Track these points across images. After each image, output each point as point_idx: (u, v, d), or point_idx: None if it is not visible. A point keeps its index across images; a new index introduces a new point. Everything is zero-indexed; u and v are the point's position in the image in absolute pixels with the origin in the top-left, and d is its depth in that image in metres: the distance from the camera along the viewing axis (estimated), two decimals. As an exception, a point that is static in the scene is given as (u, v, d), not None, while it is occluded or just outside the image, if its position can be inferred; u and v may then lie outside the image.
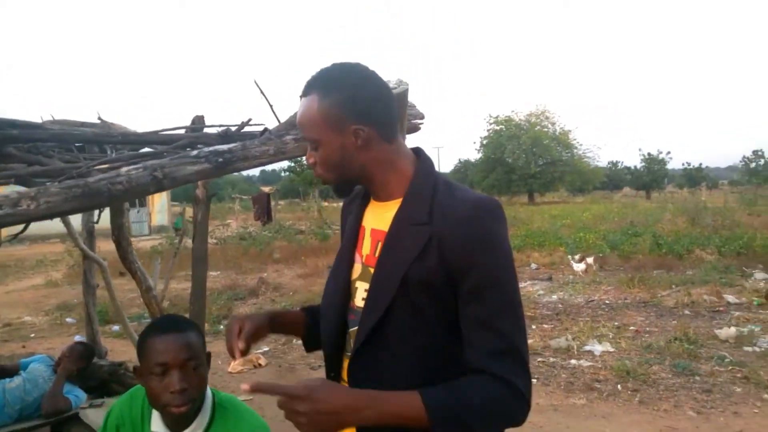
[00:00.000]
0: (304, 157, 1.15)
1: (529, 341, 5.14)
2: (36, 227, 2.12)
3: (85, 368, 3.30)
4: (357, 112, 0.99)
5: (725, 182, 54.48)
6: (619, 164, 53.05)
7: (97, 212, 2.87)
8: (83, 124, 2.45)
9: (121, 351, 5.33)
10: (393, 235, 1.01)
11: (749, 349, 4.92)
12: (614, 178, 51.42)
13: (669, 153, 45.22)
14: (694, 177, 44.94)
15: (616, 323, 5.95)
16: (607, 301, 7.05)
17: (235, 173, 2.37)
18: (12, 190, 1.61)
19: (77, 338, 4.73)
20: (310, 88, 1.02)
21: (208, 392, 1.42)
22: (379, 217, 1.06)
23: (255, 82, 2.25)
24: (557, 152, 38.47)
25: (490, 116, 40.83)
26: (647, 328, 5.74)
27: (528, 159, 37.51)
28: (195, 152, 1.97)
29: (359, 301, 1.04)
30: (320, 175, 1.07)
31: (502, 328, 0.93)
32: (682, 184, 45.02)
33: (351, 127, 0.99)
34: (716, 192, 36.98)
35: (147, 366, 1.31)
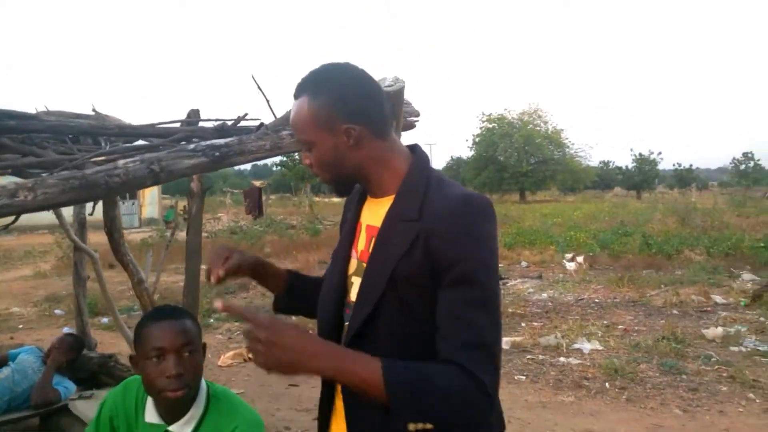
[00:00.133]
0: (297, 154, 1.17)
1: (519, 339, 5.19)
2: (25, 218, 2.11)
3: (75, 360, 3.29)
4: (347, 112, 1.00)
5: (715, 183, 55.05)
6: (611, 164, 53.46)
7: (91, 204, 2.85)
8: (78, 116, 2.43)
9: (110, 343, 5.31)
10: (384, 232, 1.02)
11: (735, 348, 5.00)
12: (605, 178, 51.80)
13: (660, 153, 45.62)
14: (684, 178, 45.31)
15: (605, 322, 6.02)
16: (596, 300, 7.12)
17: (225, 168, 2.37)
18: (9, 180, 1.60)
19: (66, 330, 4.70)
20: (300, 91, 1.03)
21: (203, 384, 1.43)
22: (374, 213, 1.07)
23: (252, 77, 2.25)
24: (549, 151, 38.70)
25: (483, 114, 41.03)
26: (636, 327, 5.81)
27: (520, 157, 37.71)
28: (192, 146, 1.97)
29: (354, 296, 1.05)
30: (317, 175, 1.08)
31: (474, 322, 0.92)
32: (673, 185, 45.41)
33: (342, 126, 1.00)
34: (706, 193, 37.35)
35: (144, 351, 1.33)
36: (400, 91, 2.21)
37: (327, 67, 1.04)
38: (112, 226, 3.29)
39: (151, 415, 1.40)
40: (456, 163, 52.16)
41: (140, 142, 2.40)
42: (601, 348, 5.13)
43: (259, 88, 2.23)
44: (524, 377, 4.50)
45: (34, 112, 2.19)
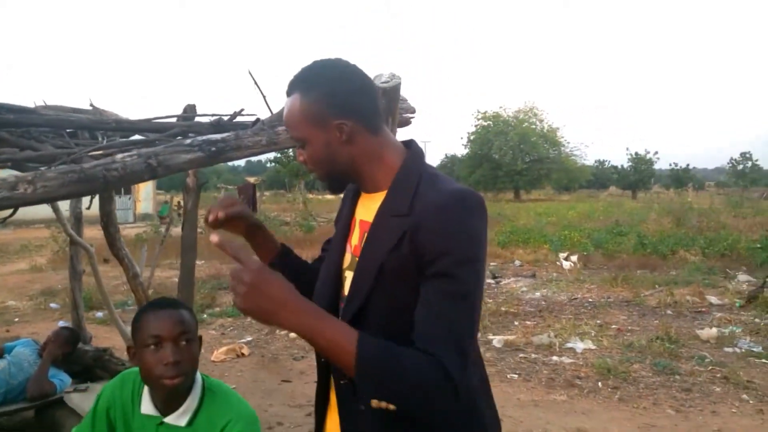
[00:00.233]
0: (292, 150, 1.18)
1: (512, 337, 5.21)
2: (21, 212, 2.11)
3: (71, 353, 3.30)
4: (338, 107, 1.00)
5: (712, 184, 55.14)
6: (606, 163, 53.62)
7: (88, 198, 2.86)
8: (76, 111, 2.44)
9: (104, 337, 5.31)
10: (375, 227, 1.02)
11: (730, 349, 5.03)
12: (601, 177, 51.99)
13: (656, 153, 45.39)
14: (681, 178, 45.23)
15: (598, 321, 6.05)
16: (590, 300, 7.16)
17: (221, 163, 2.38)
18: (9, 173, 1.61)
19: (62, 323, 4.69)
20: (292, 88, 1.04)
21: (198, 376, 1.44)
22: (367, 208, 1.08)
23: (249, 72, 2.25)
24: (544, 149, 38.79)
25: (479, 112, 41.04)
26: (629, 327, 5.84)
27: (515, 155, 37.78)
28: (189, 141, 1.97)
29: (347, 290, 1.06)
30: (312, 171, 1.09)
31: (448, 315, 0.92)
32: (669, 185, 45.42)
33: (334, 122, 1.00)
34: (703, 193, 37.35)
35: (142, 340, 1.35)
36: (396, 88, 2.22)
37: (318, 63, 1.05)
38: (108, 220, 3.30)
39: (147, 406, 1.41)
40: (450, 161, 52.22)
41: (137, 136, 2.40)
42: (594, 347, 5.16)
43: (255, 83, 2.24)
44: (517, 376, 4.53)
45: (32, 106, 2.19)
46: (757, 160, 46.20)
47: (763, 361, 4.70)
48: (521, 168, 37.60)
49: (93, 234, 6.52)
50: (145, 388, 1.43)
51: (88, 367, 3.48)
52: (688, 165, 48.15)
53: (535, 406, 3.91)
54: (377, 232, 1.02)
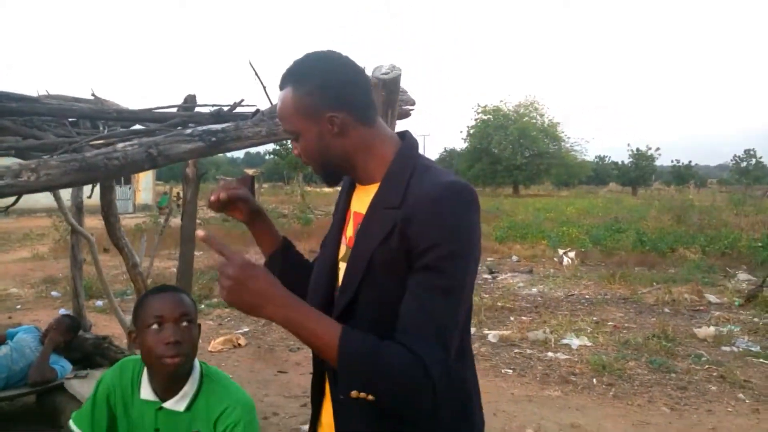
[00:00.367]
0: (290, 142, 1.19)
1: (507, 332, 5.22)
2: (23, 201, 2.13)
3: (71, 340, 3.34)
4: (330, 100, 1.00)
5: (714, 181, 54.84)
6: (607, 159, 53.45)
7: (89, 188, 2.88)
8: (77, 100, 2.45)
9: (104, 325, 5.34)
10: (367, 219, 1.02)
11: (727, 348, 5.03)
12: (600, 173, 51.86)
13: (658, 149, 45.01)
14: (682, 174, 44.90)
15: (594, 318, 6.07)
16: (586, 296, 7.18)
17: (220, 154, 2.39)
18: (12, 161, 1.63)
19: (63, 311, 4.72)
20: (284, 81, 1.04)
21: (196, 363, 1.47)
22: (361, 200, 1.07)
23: (250, 63, 2.26)
24: (544, 144, 38.69)
25: (479, 105, 40.87)
26: (626, 324, 5.85)
27: (514, 150, 37.66)
28: (189, 131, 1.98)
29: (341, 281, 1.07)
30: (307, 164, 1.10)
31: (431, 307, 0.92)
32: (670, 182, 45.23)
33: (326, 114, 1.00)
34: (705, 191, 37.01)
35: (144, 320, 1.38)
36: (396, 79, 2.22)
37: (310, 56, 1.05)
38: (108, 210, 3.31)
39: (146, 392, 1.44)
40: (449, 155, 52.12)
41: (138, 126, 2.41)
42: (589, 344, 5.18)
43: (256, 74, 2.25)
44: (511, 371, 4.56)
45: (35, 95, 2.20)
46: (761, 158, 45.72)
47: (761, 360, 4.71)
48: (521, 163, 37.52)
49: (94, 223, 6.54)
50: (145, 374, 1.45)
51: (88, 354, 3.52)
52: (690, 162, 47.94)
53: (530, 401, 3.94)
54: (369, 224, 1.02)
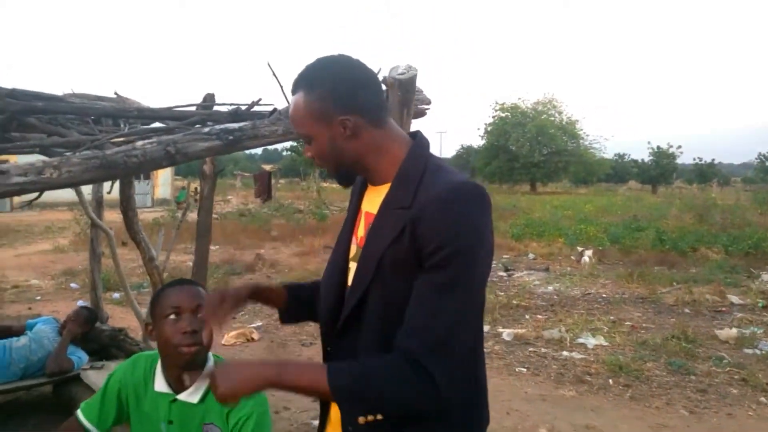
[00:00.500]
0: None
1: (522, 331, 5.18)
2: (46, 195, 2.18)
3: (89, 332, 3.40)
4: (341, 103, 1.01)
5: (738, 179, 53.54)
6: (626, 156, 52.55)
7: (109, 183, 2.93)
8: (100, 98, 2.50)
9: (120, 318, 5.44)
10: (378, 219, 1.03)
11: (749, 351, 4.91)
12: (620, 171, 51.02)
13: (680, 147, 43.89)
14: (705, 173, 43.85)
15: (611, 317, 5.99)
16: (603, 295, 7.09)
17: (238, 151, 2.41)
18: (36, 158, 1.67)
19: (81, 303, 4.82)
20: (296, 86, 1.05)
21: (210, 356, 1.50)
22: (372, 201, 1.09)
23: (268, 64, 2.27)
24: (563, 142, 38.24)
25: (497, 103, 40.58)
26: (644, 325, 5.77)
27: (532, 147, 37.30)
28: (206, 129, 2.01)
29: (351, 280, 1.08)
30: (320, 166, 1.11)
31: (435, 307, 0.92)
32: (692, 180, 44.24)
33: (337, 118, 1.01)
34: (728, 189, 36.14)
35: (161, 311, 1.42)
36: (412, 79, 2.23)
37: (320, 60, 1.06)
38: (127, 205, 3.37)
39: (160, 384, 1.46)
40: (466, 152, 51.81)
41: (158, 124, 2.45)
42: (606, 344, 5.12)
43: (274, 74, 2.26)
44: (525, 369, 4.53)
45: (60, 94, 2.25)
46: (787, 155, 44.69)
47: (784, 363, 4.60)
48: (538, 160, 37.15)
49: (113, 217, 6.64)
50: (158, 368, 1.48)
51: (104, 345, 3.59)
52: (713, 160, 46.86)
53: (543, 401, 3.91)
54: (380, 224, 1.03)
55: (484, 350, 1.15)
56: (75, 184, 1.60)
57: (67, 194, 3.55)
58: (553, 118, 39.17)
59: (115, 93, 2.56)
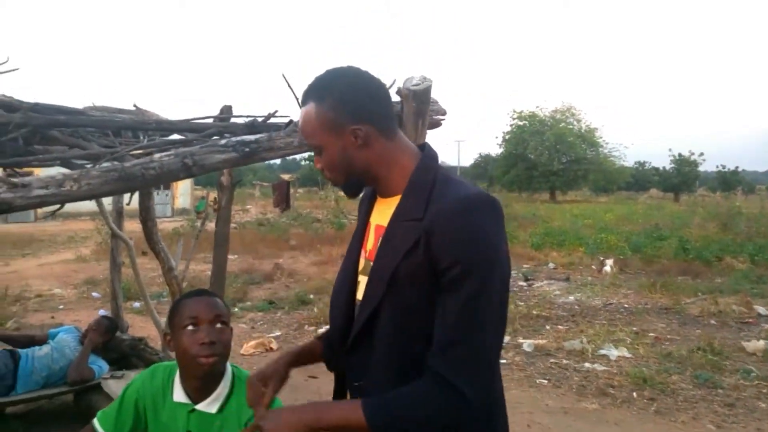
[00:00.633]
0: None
1: (542, 342, 5.10)
2: (69, 205, 2.23)
3: (109, 341, 3.44)
4: (352, 113, 1.01)
5: (763, 187, 52.20)
6: (647, 164, 51.75)
7: (128, 194, 2.98)
8: (120, 111, 2.55)
9: (140, 327, 5.50)
10: (389, 231, 1.03)
11: (779, 364, 4.77)
12: (640, 179, 50.24)
13: (702, 155, 43.07)
14: (728, 180, 42.85)
15: (634, 328, 5.87)
16: (626, 305, 6.95)
17: (255, 163, 2.43)
18: (57, 171, 1.70)
19: (102, 312, 4.89)
20: (306, 97, 1.06)
21: (228, 366, 1.49)
22: (382, 213, 1.08)
23: (283, 75, 2.29)
24: (582, 150, 37.85)
25: (514, 111, 40.37)
26: (668, 336, 5.63)
27: (551, 156, 37.00)
28: (223, 141, 2.03)
29: (361, 294, 1.07)
30: (329, 178, 1.10)
31: (459, 324, 0.92)
32: (715, 188, 43.27)
33: (349, 127, 1.01)
34: (753, 197, 35.32)
35: (179, 322, 1.41)
36: (426, 90, 2.22)
37: (330, 71, 1.06)
38: (146, 215, 3.41)
39: (179, 394, 1.46)
40: (484, 161, 51.61)
41: (176, 136, 2.48)
42: (629, 355, 5.01)
43: (289, 86, 2.27)
44: (546, 381, 4.44)
45: (81, 107, 2.30)
46: (814, 162, 43.42)
47: (814, 377, 4.45)
48: (557, 168, 36.81)
49: (134, 227, 6.75)
50: (177, 378, 1.48)
51: (124, 355, 3.62)
52: (737, 167, 45.84)
53: (565, 414, 3.83)
54: (392, 236, 1.02)
55: (505, 361, 1.14)
56: (94, 197, 1.62)
57: (89, 204, 3.62)
58: (571, 126, 38.82)
59: (135, 105, 2.61)
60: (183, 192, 26.16)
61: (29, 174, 1.77)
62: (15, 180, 1.42)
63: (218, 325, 1.41)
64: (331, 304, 1.16)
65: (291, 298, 7.20)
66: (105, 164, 1.64)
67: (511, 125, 40.02)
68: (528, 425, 3.57)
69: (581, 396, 4.14)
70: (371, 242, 1.10)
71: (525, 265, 9.80)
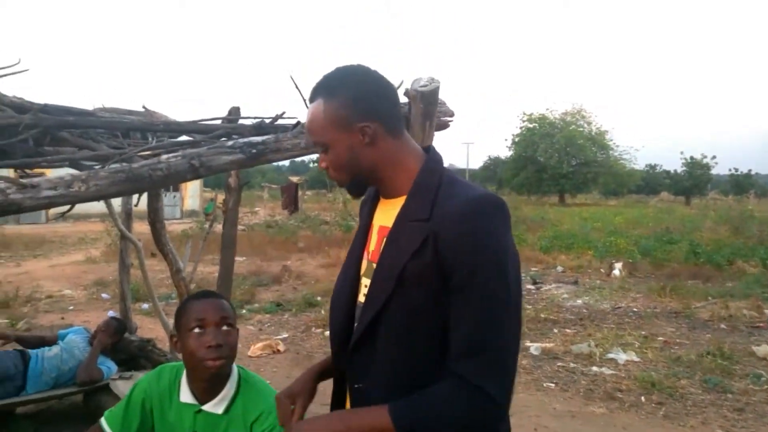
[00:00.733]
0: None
1: (550, 345, 5.07)
2: (79, 206, 2.25)
3: (118, 343, 3.47)
4: (361, 110, 1.01)
5: (777, 190, 51.36)
6: (658, 167, 51.26)
7: (137, 195, 3.00)
8: (129, 112, 2.57)
9: (149, 328, 5.53)
10: (394, 232, 1.02)
11: (790, 369, 4.71)
12: (651, 182, 49.77)
13: (714, 158, 42.59)
14: (741, 184, 42.22)
15: (643, 332, 5.82)
16: (634, 309, 6.90)
17: (262, 164, 2.44)
18: (66, 172, 1.72)
19: (111, 314, 4.92)
20: (315, 94, 1.05)
21: (234, 367, 1.50)
22: (386, 214, 1.08)
23: (291, 77, 2.30)
24: (592, 153, 37.61)
25: (524, 114, 40.25)
26: (677, 340, 5.58)
27: (561, 158, 36.79)
28: (230, 143, 2.04)
29: (362, 296, 1.07)
30: (333, 177, 1.09)
31: (475, 325, 0.92)
32: (728, 191, 42.72)
33: (357, 125, 1.01)
34: (766, 200, 34.84)
35: (186, 324, 1.42)
36: (434, 91, 2.22)
37: (339, 69, 1.06)
38: (155, 216, 3.44)
39: (185, 395, 1.47)
40: (493, 163, 51.41)
41: (184, 137, 2.50)
42: (637, 359, 4.97)
43: (297, 88, 2.28)
44: (553, 385, 4.42)
45: (90, 108, 2.33)
46: (828, 165, 42.84)
47: (825, 382, 4.39)
48: (567, 171, 36.59)
49: (143, 229, 6.81)
50: (184, 378, 1.49)
51: (133, 356, 3.65)
52: (749, 170, 45.27)
53: (572, 418, 3.80)
54: (397, 237, 1.02)
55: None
56: (102, 197, 1.64)
57: (99, 206, 3.65)
58: (581, 129, 38.59)
59: (143, 107, 2.64)
60: (192, 194, 26.32)
61: (40, 175, 1.79)
62: (24, 181, 1.45)
63: (224, 327, 1.41)
64: (332, 305, 1.16)
65: (298, 300, 7.22)
66: (113, 165, 1.66)
67: (520, 127, 39.89)
68: (535, 429, 3.55)
69: (589, 400, 4.11)
70: (374, 243, 1.09)
71: (533, 269, 9.75)
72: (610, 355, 5.04)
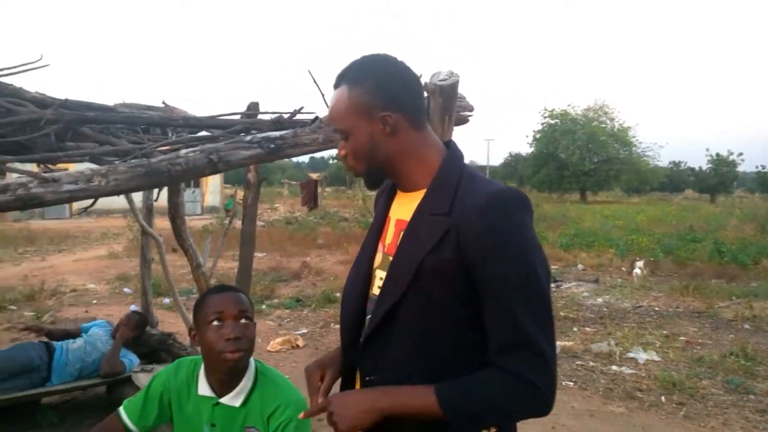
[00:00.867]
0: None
1: (570, 343, 4.99)
2: (102, 202, 2.30)
3: (139, 336, 3.54)
4: (385, 99, 1.01)
5: (806, 188, 49.78)
6: (682, 164, 50.17)
7: (156, 190, 3.05)
8: (149, 108, 2.61)
9: (169, 323, 5.62)
10: (413, 225, 1.02)
11: (814, 370, 4.60)
12: (675, 180, 48.77)
13: (741, 155, 41.44)
14: (768, 181, 41.36)
15: (664, 332, 5.72)
16: (656, 308, 6.78)
17: (286, 159, 2.45)
18: (86, 167, 1.75)
19: (133, 308, 5.02)
20: (340, 80, 1.05)
21: (252, 361, 1.51)
22: (403, 207, 1.07)
23: (309, 72, 2.30)
24: (614, 149, 37.00)
25: (546, 110, 39.74)
26: (700, 340, 5.48)
27: (582, 155, 36.26)
28: (248, 138, 2.06)
29: (376, 289, 1.06)
30: (351, 167, 1.08)
31: (515, 320, 0.92)
32: (754, 189, 41.58)
33: (380, 114, 1.01)
34: (795, 198, 33.88)
35: (204, 317, 1.44)
36: (453, 86, 2.20)
37: (366, 57, 1.06)
38: (175, 212, 3.48)
39: (203, 388, 1.49)
40: (514, 160, 50.94)
41: (203, 132, 2.53)
42: (658, 359, 4.89)
43: (315, 83, 2.29)
44: (572, 383, 4.37)
45: (111, 104, 2.37)
46: None
47: None
48: (589, 168, 36.07)
49: (164, 224, 6.92)
50: (202, 372, 1.50)
51: (153, 349, 3.71)
52: (778, 167, 43.99)
53: (591, 417, 3.76)
54: (416, 231, 1.01)
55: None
56: (122, 192, 1.67)
57: (121, 201, 3.72)
58: (604, 125, 37.98)
59: (163, 102, 2.67)
60: (213, 190, 26.63)
61: (62, 170, 1.83)
62: (45, 175, 1.48)
63: (243, 321, 1.43)
64: (344, 298, 1.16)
65: (318, 296, 7.26)
66: (132, 160, 1.69)
67: (542, 124, 39.46)
68: (553, 427, 3.51)
69: (608, 399, 4.06)
70: (390, 236, 1.09)
71: (553, 266, 9.64)
72: (630, 355, 4.97)
